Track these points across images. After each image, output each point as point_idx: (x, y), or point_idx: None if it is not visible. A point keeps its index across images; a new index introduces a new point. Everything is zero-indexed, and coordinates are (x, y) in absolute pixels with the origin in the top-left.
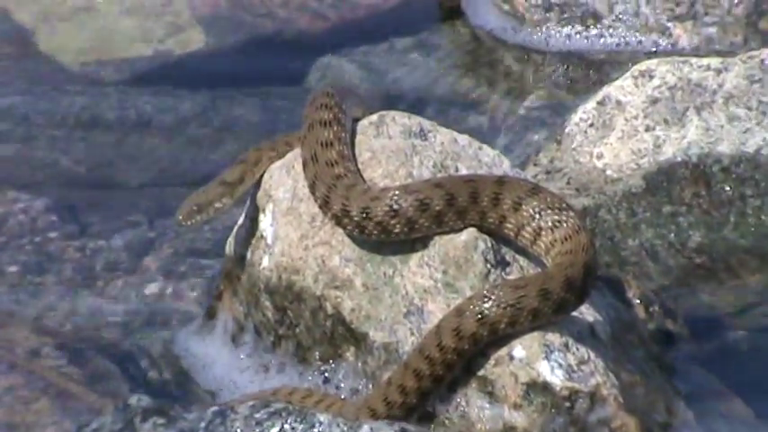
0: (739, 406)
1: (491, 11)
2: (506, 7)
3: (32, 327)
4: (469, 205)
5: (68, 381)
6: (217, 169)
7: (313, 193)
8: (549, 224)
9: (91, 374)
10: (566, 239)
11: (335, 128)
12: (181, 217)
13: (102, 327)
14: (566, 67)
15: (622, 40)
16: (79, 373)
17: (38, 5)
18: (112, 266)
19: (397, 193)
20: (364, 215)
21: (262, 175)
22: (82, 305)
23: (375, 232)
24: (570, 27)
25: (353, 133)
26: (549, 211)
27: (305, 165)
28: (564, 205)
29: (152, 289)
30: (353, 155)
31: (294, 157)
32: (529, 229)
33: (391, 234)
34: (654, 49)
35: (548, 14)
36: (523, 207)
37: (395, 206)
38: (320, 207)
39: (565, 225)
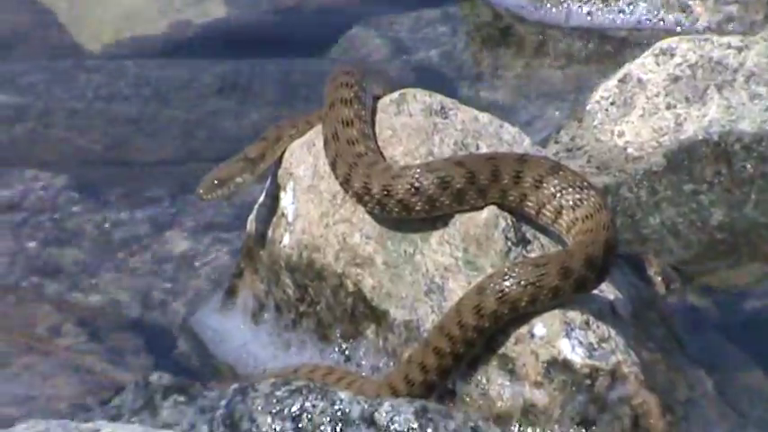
0: (759, 378)
1: None
2: None
3: (53, 303)
4: (491, 183)
5: (88, 357)
6: (237, 144)
7: (334, 171)
8: (571, 202)
9: (111, 350)
10: (587, 218)
11: (356, 106)
12: (202, 191)
13: (122, 303)
14: (586, 43)
15: (643, 17)
16: (100, 348)
17: None
18: (132, 242)
19: (418, 171)
20: (385, 193)
21: (283, 153)
22: (102, 281)
23: (396, 210)
24: (591, 4)
25: (374, 111)
26: (571, 190)
27: (326, 143)
28: (585, 183)
29: (172, 264)
30: (374, 133)
31: (315, 135)
32: (550, 207)
33: (412, 212)
34: (675, 28)
35: None
36: (544, 185)
37: (416, 184)
38: (341, 185)
39: (586, 203)
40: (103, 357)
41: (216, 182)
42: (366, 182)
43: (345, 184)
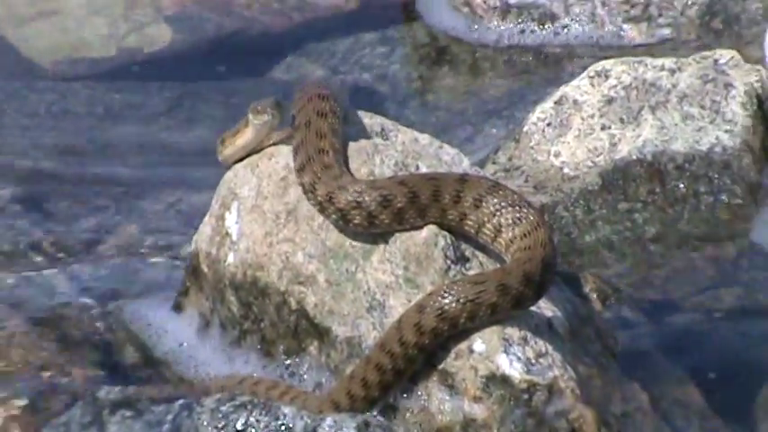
0: (693, 392)
1: (450, 11)
2: (465, 10)
3: (6, 309)
4: (431, 203)
5: (37, 361)
6: (185, 158)
7: (300, 178)
8: (509, 221)
9: (59, 357)
10: (525, 235)
11: (330, 120)
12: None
13: (69, 310)
14: (520, 61)
15: (578, 40)
16: (48, 355)
17: (7, 7)
18: (78, 247)
19: (362, 187)
20: (328, 199)
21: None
22: (51, 285)
23: (334, 218)
24: (527, 26)
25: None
26: (510, 208)
27: (297, 152)
28: (524, 202)
29: (119, 269)
30: (343, 147)
31: (258, 156)
32: (489, 225)
33: (350, 224)
34: (608, 47)
35: (505, 16)
36: (484, 204)
37: (358, 199)
38: (301, 185)
39: (524, 221)
40: (51, 363)
41: (260, 108)
42: (314, 182)
43: (299, 172)
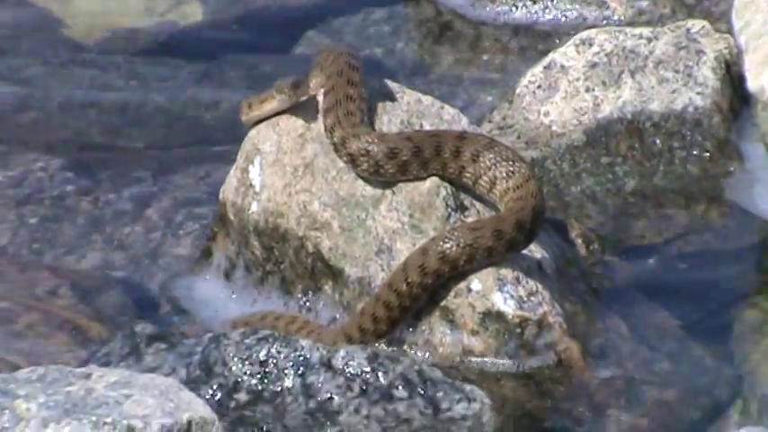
0: (666, 318)
1: None
2: None
3: (50, 268)
4: (433, 157)
5: (81, 316)
6: (212, 130)
7: (331, 133)
8: (504, 174)
9: (102, 309)
10: (517, 187)
11: (359, 87)
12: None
13: (111, 267)
14: (515, 37)
15: (565, 14)
16: (91, 308)
17: None
18: (120, 216)
19: (373, 138)
20: (341, 142)
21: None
22: (93, 250)
23: (344, 159)
24: (520, 2)
25: None
26: (504, 163)
27: (329, 109)
28: (516, 157)
29: (155, 234)
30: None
31: (278, 116)
32: (485, 178)
33: (358, 168)
34: (593, 22)
35: None
36: (481, 159)
37: (368, 148)
38: (324, 125)
39: (517, 175)
40: (94, 316)
41: (286, 88)
42: (334, 127)
43: (325, 117)
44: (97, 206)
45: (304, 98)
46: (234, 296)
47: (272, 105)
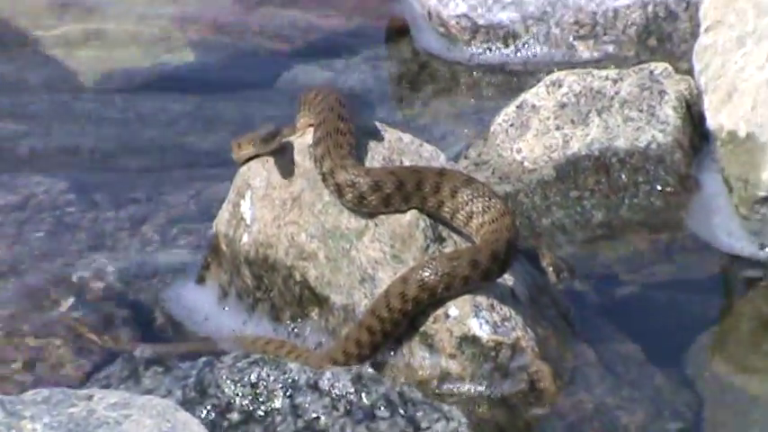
0: (632, 348)
1: (429, 32)
2: (442, 30)
3: (54, 282)
4: (415, 191)
5: (83, 326)
6: (202, 157)
7: (321, 164)
8: (480, 209)
9: (102, 321)
10: (492, 221)
11: (348, 122)
12: (238, 140)
13: (111, 282)
14: (489, 76)
15: (536, 55)
16: (92, 320)
17: (60, 33)
18: (118, 234)
19: (359, 170)
20: (330, 172)
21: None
22: (94, 264)
23: (331, 189)
24: (493, 44)
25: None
26: (480, 199)
27: (319, 142)
28: (492, 194)
29: (151, 251)
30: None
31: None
32: (463, 212)
33: (343, 198)
34: (562, 64)
35: (475, 35)
36: (459, 194)
37: (354, 180)
38: (313, 156)
39: (492, 210)
40: (95, 327)
41: (255, 139)
42: (323, 159)
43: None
44: (97, 224)
45: (274, 146)
46: (226, 321)
47: (248, 151)
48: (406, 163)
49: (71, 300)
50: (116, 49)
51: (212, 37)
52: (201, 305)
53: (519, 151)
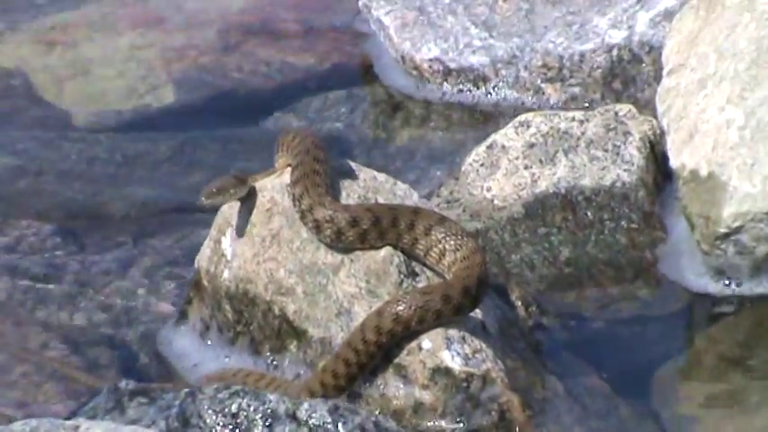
0: (597, 381)
1: (402, 74)
2: (414, 72)
3: (42, 324)
4: (390, 228)
5: (70, 367)
6: (186, 199)
7: (299, 202)
8: (452, 247)
9: (89, 362)
10: (464, 259)
11: (323, 164)
12: (203, 196)
13: (97, 324)
14: (460, 116)
15: (505, 97)
16: (79, 360)
17: (49, 71)
18: (105, 276)
19: (337, 207)
20: (308, 209)
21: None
22: (81, 307)
23: (310, 226)
24: (464, 87)
25: None
26: (453, 237)
27: (297, 181)
28: (464, 233)
29: (137, 293)
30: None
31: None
32: (436, 250)
33: (320, 234)
34: (530, 105)
35: (447, 78)
36: (432, 233)
37: (332, 215)
38: (292, 195)
39: (464, 248)
40: (82, 367)
41: (215, 190)
42: (302, 197)
43: (293, 185)
44: (84, 267)
45: (226, 198)
46: (208, 354)
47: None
48: (381, 201)
49: (58, 342)
50: (101, 86)
51: (194, 74)
52: (185, 344)
53: (489, 190)
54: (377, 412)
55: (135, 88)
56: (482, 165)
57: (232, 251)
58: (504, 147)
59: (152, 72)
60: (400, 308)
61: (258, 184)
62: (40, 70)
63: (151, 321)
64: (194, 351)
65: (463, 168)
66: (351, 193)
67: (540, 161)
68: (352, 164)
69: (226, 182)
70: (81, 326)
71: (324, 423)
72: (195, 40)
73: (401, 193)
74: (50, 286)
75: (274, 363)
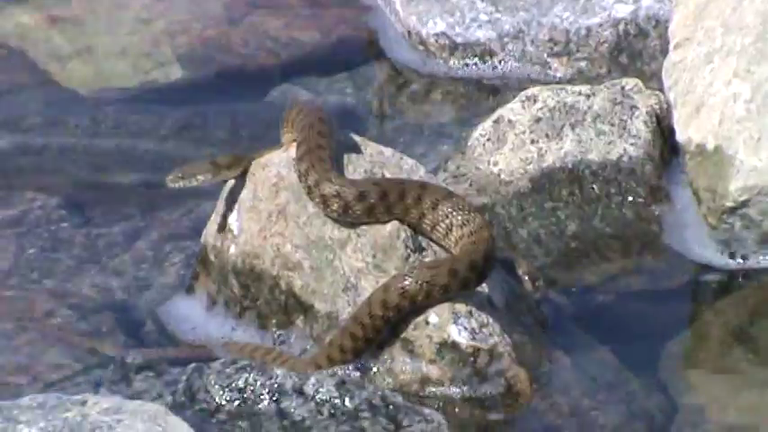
0: (604, 352)
1: (408, 49)
2: (421, 47)
3: (49, 293)
4: (397, 202)
5: (75, 333)
6: None
7: (306, 177)
8: (459, 222)
9: (95, 331)
10: (471, 234)
11: (328, 137)
12: (169, 179)
13: (104, 295)
14: (466, 91)
15: (512, 71)
16: (87, 329)
17: (51, 48)
18: (111, 248)
19: (344, 181)
20: (315, 184)
21: (246, 169)
22: (88, 277)
23: (317, 201)
24: (471, 61)
25: None
26: (460, 212)
27: (303, 157)
28: (471, 208)
29: (143, 265)
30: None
31: (254, 167)
32: (442, 225)
33: (328, 209)
34: (537, 79)
35: (453, 52)
36: (439, 208)
37: (339, 190)
38: (297, 171)
39: (471, 223)
40: (87, 334)
41: (180, 175)
42: (308, 170)
43: (300, 162)
44: (90, 239)
45: (192, 183)
46: (215, 329)
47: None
48: (388, 176)
49: (65, 311)
50: (107, 62)
51: (200, 51)
52: (191, 315)
53: (496, 164)
54: (384, 386)
55: (140, 64)
56: (489, 139)
57: (238, 226)
58: (510, 121)
59: (157, 47)
60: (407, 282)
61: (264, 159)
62: (44, 46)
63: (158, 293)
64: (200, 324)
65: (470, 143)
66: (357, 168)
67: (547, 135)
68: (358, 138)
69: (195, 167)
70: (87, 295)
71: (330, 398)
72: (200, 14)
73: (407, 167)
74: (57, 257)
75: (281, 337)
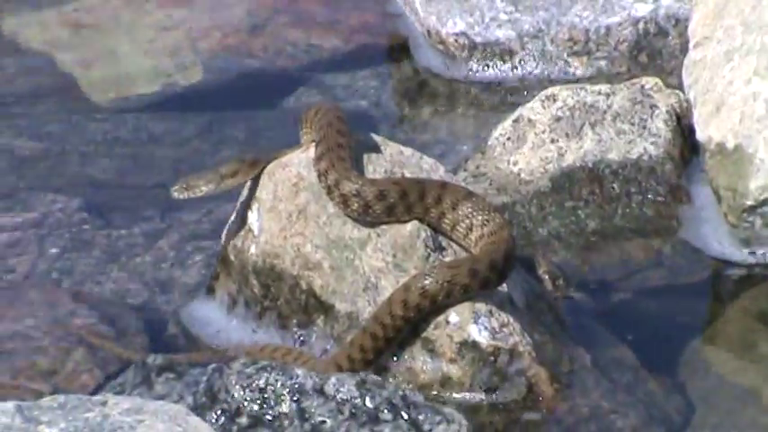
0: (625, 352)
1: (428, 51)
2: (440, 47)
3: (71, 294)
4: (417, 202)
5: (98, 336)
6: None
7: (325, 176)
8: (479, 222)
9: (117, 332)
10: (491, 234)
11: (346, 137)
12: (174, 189)
13: (125, 295)
14: (486, 92)
15: (531, 71)
16: (108, 331)
17: (76, 50)
18: (132, 249)
19: (364, 180)
20: (335, 184)
21: (258, 176)
22: (109, 278)
23: (337, 201)
24: (490, 61)
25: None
26: (480, 213)
27: (322, 156)
28: (491, 208)
29: (164, 266)
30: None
31: (275, 166)
32: (462, 224)
33: (348, 209)
34: (557, 79)
35: (473, 52)
36: (459, 208)
37: (359, 189)
38: (328, 186)
39: (491, 223)
40: (109, 336)
41: (185, 185)
42: (328, 169)
43: (317, 162)
44: (111, 240)
45: (196, 194)
46: (235, 328)
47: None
48: (408, 175)
49: (86, 312)
50: (129, 68)
51: (220, 55)
52: (212, 316)
53: (515, 164)
54: (404, 386)
55: (161, 69)
56: (508, 139)
57: (259, 226)
58: (530, 120)
59: (178, 52)
60: (427, 282)
61: (284, 160)
62: (66, 52)
63: (179, 294)
64: (222, 325)
65: (489, 142)
66: (377, 168)
67: (567, 135)
68: (378, 138)
69: (199, 178)
70: (109, 297)
71: (351, 397)
72: (222, 21)
73: (427, 167)
74: (78, 258)
75: (301, 338)
